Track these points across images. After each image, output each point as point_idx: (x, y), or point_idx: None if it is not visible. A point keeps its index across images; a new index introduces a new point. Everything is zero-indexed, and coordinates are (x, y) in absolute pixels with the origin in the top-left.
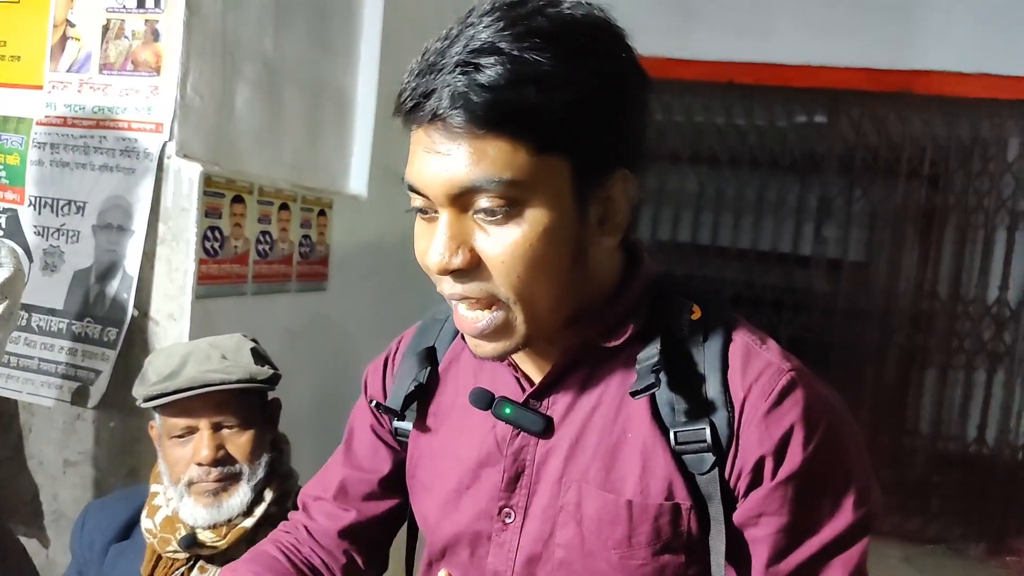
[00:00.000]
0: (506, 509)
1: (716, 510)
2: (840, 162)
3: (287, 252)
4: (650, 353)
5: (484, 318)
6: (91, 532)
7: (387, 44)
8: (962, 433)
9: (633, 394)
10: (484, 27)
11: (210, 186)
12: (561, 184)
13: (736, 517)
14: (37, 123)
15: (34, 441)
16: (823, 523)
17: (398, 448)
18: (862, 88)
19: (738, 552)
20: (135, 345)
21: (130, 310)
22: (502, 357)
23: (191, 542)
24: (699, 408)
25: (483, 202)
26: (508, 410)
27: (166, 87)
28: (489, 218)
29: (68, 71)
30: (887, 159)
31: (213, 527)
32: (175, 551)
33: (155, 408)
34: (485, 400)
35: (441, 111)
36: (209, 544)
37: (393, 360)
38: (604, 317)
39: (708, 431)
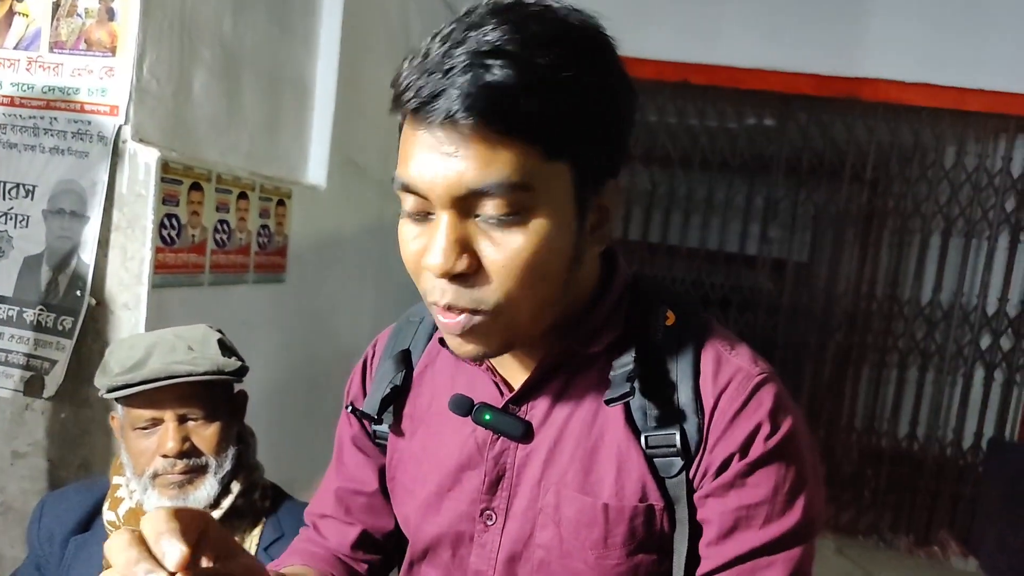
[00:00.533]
0: (487, 511)
1: (682, 512)
2: (787, 165)
3: (245, 242)
4: (625, 361)
5: (463, 319)
6: (50, 524)
7: (347, 33)
8: (894, 429)
9: (608, 402)
10: (491, 29)
11: (167, 172)
12: (564, 191)
13: (700, 512)
14: None
15: None
16: (773, 517)
17: (380, 454)
18: (810, 93)
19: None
20: (88, 335)
21: (87, 299)
22: (483, 358)
23: None
24: (670, 414)
25: (489, 207)
26: (488, 416)
27: (122, 68)
28: (493, 223)
29: (16, 48)
30: (832, 163)
31: None
32: None
33: (118, 399)
34: (464, 406)
35: (453, 112)
36: None
37: (371, 364)
38: (584, 323)
39: (678, 436)
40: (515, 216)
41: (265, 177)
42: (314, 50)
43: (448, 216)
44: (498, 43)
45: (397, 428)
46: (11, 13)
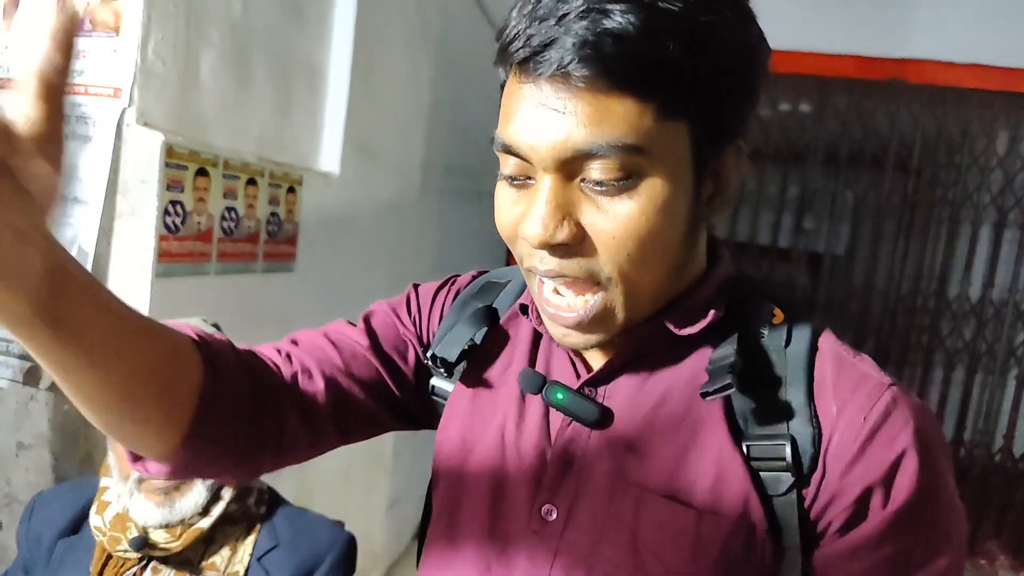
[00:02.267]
0: (547, 506)
1: (791, 538)
2: (825, 153)
3: (254, 230)
4: (726, 352)
5: (581, 307)
6: (39, 526)
7: (362, 18)
8: None
9: (704, 395)
10: None
11: (172, 157)
12: (681, 153)
13: (823, 555)
14: None
15: None
16: (933, 557)
17: (412, 389)
18: (851, 76)
19: None
20: None
21: None
22: (593, 347)
23: (142, 544)
24: (778, 420)
25: (596, 171)
26: (560, 395)
27: (126, 49)
28: (601, 189)
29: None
30: (873, 150)
31: (166, 527)
32: (126, 551)
33: None
34: (535, 383)
35: (566, 62)
36: (162, 545)
37: (444, 297)
38: (681, 303)
39: (788, 448)
40: (626, 181)
41: (275, 163)
42: (327, 35)
43: (551, 180)
44: None
45: (467, 383)
46: None
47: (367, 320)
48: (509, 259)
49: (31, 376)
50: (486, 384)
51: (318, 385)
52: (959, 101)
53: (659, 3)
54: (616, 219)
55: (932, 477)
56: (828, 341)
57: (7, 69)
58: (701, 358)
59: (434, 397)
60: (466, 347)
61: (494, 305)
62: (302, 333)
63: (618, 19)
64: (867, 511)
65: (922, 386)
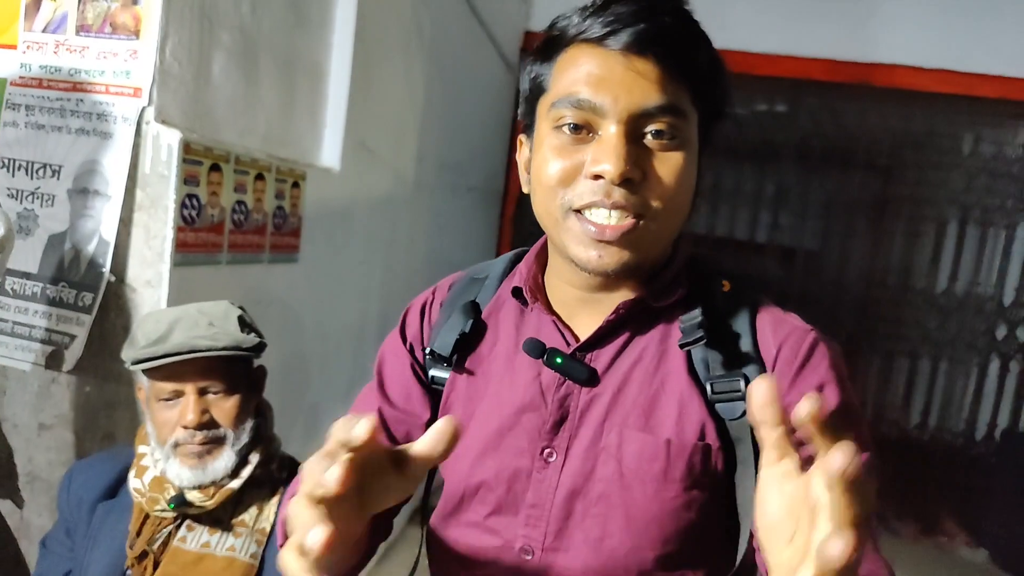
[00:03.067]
0: (548, 449)
1: (745, 451)
2: (798, 152)
3: (261, 222)
4: (693, 314)
5: (627, 226)
6: (78, 490)
7: (362, 21)
8: (905, 419)
9: (682, 346)
10: None
11: (189, 153)
12: (696, 131)
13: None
14: (11, 84)
15: (8, 404)
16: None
17: (428, 396)
18: (822, 78)
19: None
20: (111, 311)
21: (106, 275)
22: (618, 272)
23: (181, 501)
24: (733, 363)
25: (655, 127)
26: (559, 359)
27: (145, 51)
28: (658, 141)
29: (44, 31)
30: (844, 150)
31: (200, 488)
32: (163, 510)
33: (143, 371)
34: (538, 349)
35: (660, 39)
36: (197, 504)
37: (430, 310)
38: (656, 280)
39: (742, 382)
40: (674, 140)
41: (281, 159)
42: (329, 36)
43: (620, 130)
44: (676, 5)
45: (460, 371)
46: None
47: (381, 379)
48: (499, 250)
49: (53, 359)
50: (478, 363)
51: None
52: (925, 104)
53: (697, 26)
54: (670, 166)
55: (844, 392)
56: (764, 303)
57: (29, 68)
58: (670, 322)
59: (434, 386)
60: (457, 338)
61: (476, 300)
62: None
63: (686, 27)
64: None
65: (889, 374)
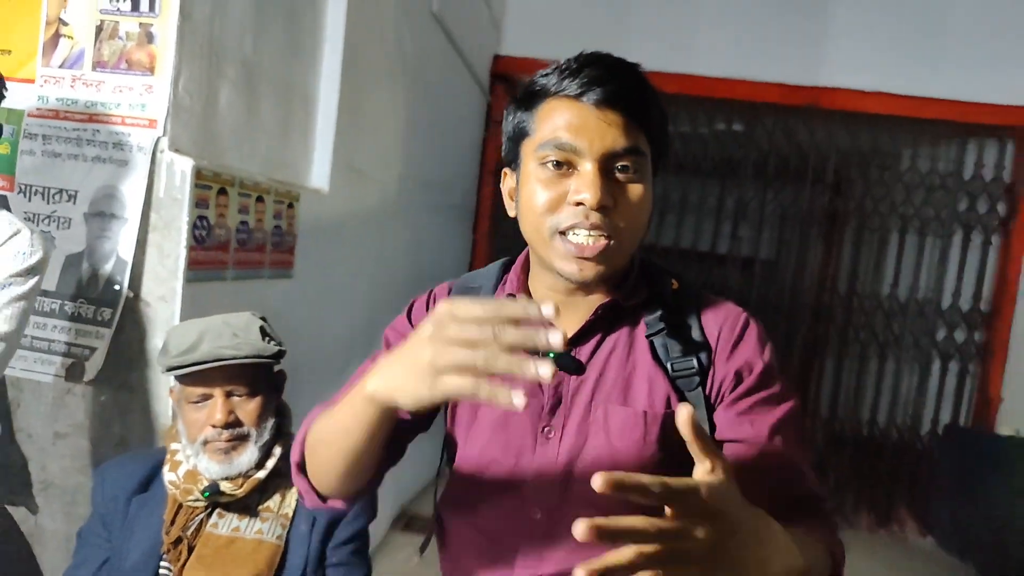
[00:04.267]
0: (547, 428)
1: (700, 413)
2: (755, 168)
3: (261, 241)
4: (654, 310)
5: (603, 245)
6: (112, 487)
7: (349, 51)
8: (857, 417)
9: (648, 336)
10: (616, 59)
11: (200, 179)
12: (650, 167)
13: (719, 413)
14: (29, 115)
15: (23, 415)
16: (780, 401)
17: None
18: (775, 101)
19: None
20: (126, 325)
21: (124, 292)
22: (594, 281)
23: (215, 489)
24: (688, 347)
25: (622, 163)
26: (551, 354)
27: (160, 86)
28: (624, 175)
29: (60, 67)
30: (796, 166)
31: (229, 479)
32: (196, 500)
33: (175, 377)
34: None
35: (613, 99)
36: (228, 493)
37: (433, 308)
38: (625, 284)
39: (695, 361)
40: (636, 174)
41: (278, 182)
42: (319, 66)
43: (594, 167)
44: (633, 64)
45: None
46: (57, 35)
47: (388, 349)
48: (472, 264)
49: (73, 371)
50: None
51: (393, 437)
52: (868, 124)
53: (646, 77)
54: (635, 195)
55: (766, 358)
56: (705, 296)
57: (46, 100)
58: (635, 317)
59: None
60: None
61: None
62: None
63: (643, 85)
64: (741, 380)
65: (840, 375)
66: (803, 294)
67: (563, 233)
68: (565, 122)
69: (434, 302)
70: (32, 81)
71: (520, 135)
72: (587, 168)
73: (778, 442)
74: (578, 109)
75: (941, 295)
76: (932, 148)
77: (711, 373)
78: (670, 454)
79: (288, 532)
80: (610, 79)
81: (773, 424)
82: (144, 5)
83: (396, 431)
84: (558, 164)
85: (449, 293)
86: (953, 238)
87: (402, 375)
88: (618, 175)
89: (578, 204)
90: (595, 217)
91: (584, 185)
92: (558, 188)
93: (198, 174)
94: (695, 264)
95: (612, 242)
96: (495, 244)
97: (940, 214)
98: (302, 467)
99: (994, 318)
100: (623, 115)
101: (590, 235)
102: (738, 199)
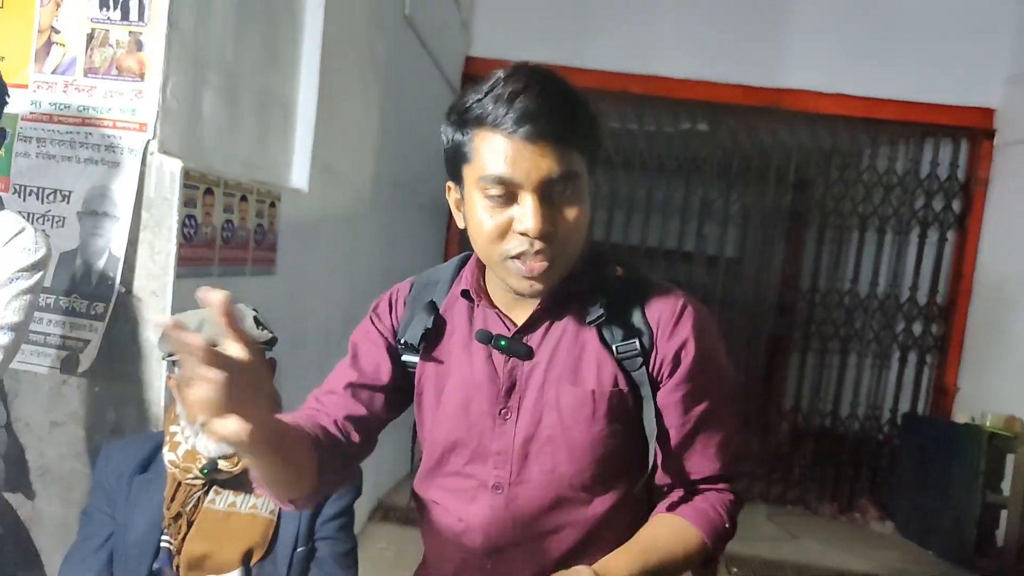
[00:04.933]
0: (504, 410)
1: (646, 391)
2: (719, 167)
3: (245, 239)
4: (597, 297)
5: (546, 266)
6: (117, 465)
7: (326, 57)
8: (819, 408)
9: (589, 322)
10: (544, 79)
11: (188, 179)
12: (586, 183)
13: (662, 395)
14: (22, 119)
15: (20, 405)
16: (715, 387)
17: (399, 370)
18: (737, 102)
19: (660, 422)
20: (119, 318)
21: (117, 287)
22: (541, 293)
23: (213, 467)
24: (630, 331)
25: (559, 188)
26: (503, 342)
27: (149, 91)
28: (563, 198)
29: (53, 72)
30: (759, 166)
31: (226, 457)
32: (194, 477)
33: (175, 363)
34: (487, 336)
35: (554, 125)
36: (225, 470)
37: (396, 306)
38: (570, 276)
39: (637, 343)
40: (573, 195)
41: (260, 182)
42: (297, 72)
43: (534, 197)
44: (557, 90)
45: (427, 357)
46: (49, 43)
47: (355, 355)
48: (445, 257)
49: (68, 363)
50: (442, 351)
51: (365, 428)
52: (828, 124)
53: (577, 102)
54: (572, 216)
55: (701, 343)
56: (648, 281)
57: (39, 104)
58: (582, 304)
59: (407, 369)
60: (423, 331)
61: (434, 300)
62: (326, 397)
63: (573, 111)
64: (679, 363)
65: (804, 369)
66: (767, 291)
67: (512, 257)
68: (503, 156)
69: (396, 298)
70: (26, 87)
71: (459, 158)
72: (527, 199)
73: (700, 429)
74: (513, 144)
75: (900, 290)
76: (890, 147)
77: (653, 354)
78: (619, 429)
79: (280, 508)
80: (539, 112)
81: (700, 413)
82: (134, 14)
83: (366, 423)
84: (500, 195)
85: (411, 289)
86: (910, 235)
87: None
88: (557, 197)
89: (523, 233)
90: (538, 244)
91: (526, 216)
92: (502, 216)
93: (186, 175)
94: (662, 262)
95: (555, 261)
96: (467, 242)
97: (898, 211)
98: None
99: (950, 311)
100: (555, 144)
101: (534, 258)
102: (702, 198)
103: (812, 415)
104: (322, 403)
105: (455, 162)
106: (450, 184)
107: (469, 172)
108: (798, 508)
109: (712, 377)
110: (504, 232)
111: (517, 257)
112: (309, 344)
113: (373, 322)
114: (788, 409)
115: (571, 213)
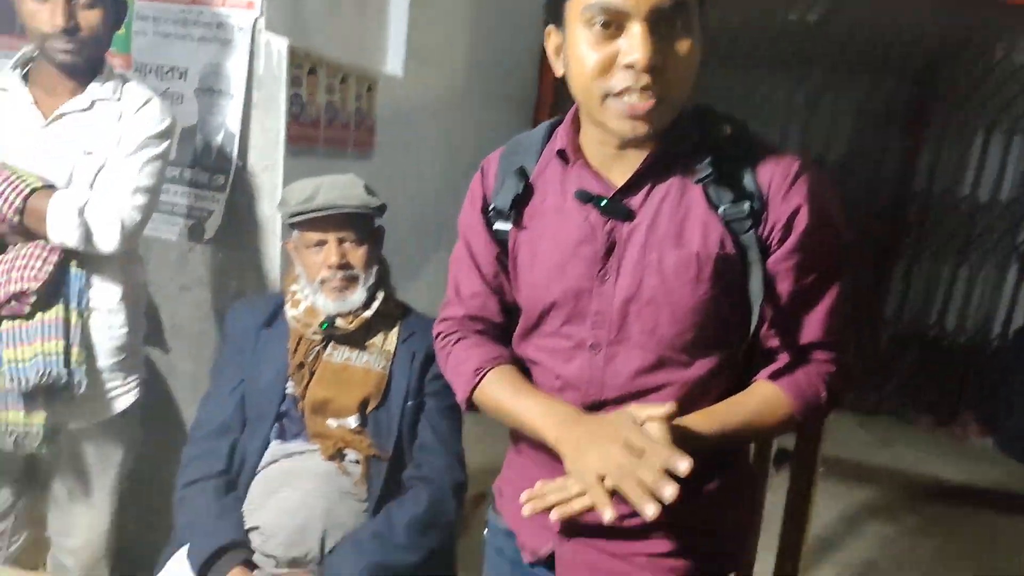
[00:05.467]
0: (603, 271)
1: (753, 255)
2: (829, 61)
3: (345, 121)
4: (705, 156)
5: (654, 103)
6: (245, 319)
7: None
8: (924, 319)
9: (698, 181)
10: None
11: (294, 59)
12: (697, 18)
13: (773, 260)
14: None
15: (152, 270)
16: (832, 251)
17: (497, 244)
18: None
19: (768, 288)
20: (236, 191)
21: (234, 160)
22: (647, 136)
23: (331, 322)
24: (740, 193)
25: (670, 18)
26: (604, 202)
27: None
28: (672, 31)
29: None
30: (876, 57)
31: (341, 315)
32: (314, 332)
33: (294, 225)
34: (587, 196)
35: None
36: (342, 327)
37: (486, 180)
38: (675, 133)
39: (747, 205)
40: (684, 29)
41: (358, 67)
42: None
43: (645, 27)
44: None
45: (519, 223)
46: None
47: (471, 252)
48: None
49: (195, 231)
50: (534, 214)
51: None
52: (957, 10)
53: None
54: (684, 51)
55: (817, 211)
56: (759, 141)
57: None
58: (688, 165)
59: (498, 237)
60: (513, 198)
61: (523, 166)
62: (474, 307)
63: None
64: (792, 229)
65: (911, 277)
66: (877, 195)
67: (615, 95)
68: None
69: (488, 169)
70: None
71: None
72: (635, 29)
73: (810, 296)
74: None
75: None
76: None
77: (764, 217)
78: (723, 293)
79: (391, 364)
80: None
81: (812, 280)
82: None
83: (509, 306)
84: (605, 24)
85: (500, 159)
86: None
87: (577, 458)
88: (665, 30)
89: (628, 66)
90: (645, 79)
91: (634, 47)
92: (607, 49)
93: (292, 53)
94: None
95: (663, 100)
96: None
97: None
98: (470, 404)
99: None
100: None
101: (641, 96)
102: (808, 95)
103: (916, 325)
104: (475, 313)
105: (559, 1)
106: (550, 28)
107: (573, 5)
108: (892, 418)
109: (827, 244)
110: (608, 66)
111: (621, 95)
112: (402, 230)
113: (472, 206)
114: (889, 317)
115: (682, 47)
